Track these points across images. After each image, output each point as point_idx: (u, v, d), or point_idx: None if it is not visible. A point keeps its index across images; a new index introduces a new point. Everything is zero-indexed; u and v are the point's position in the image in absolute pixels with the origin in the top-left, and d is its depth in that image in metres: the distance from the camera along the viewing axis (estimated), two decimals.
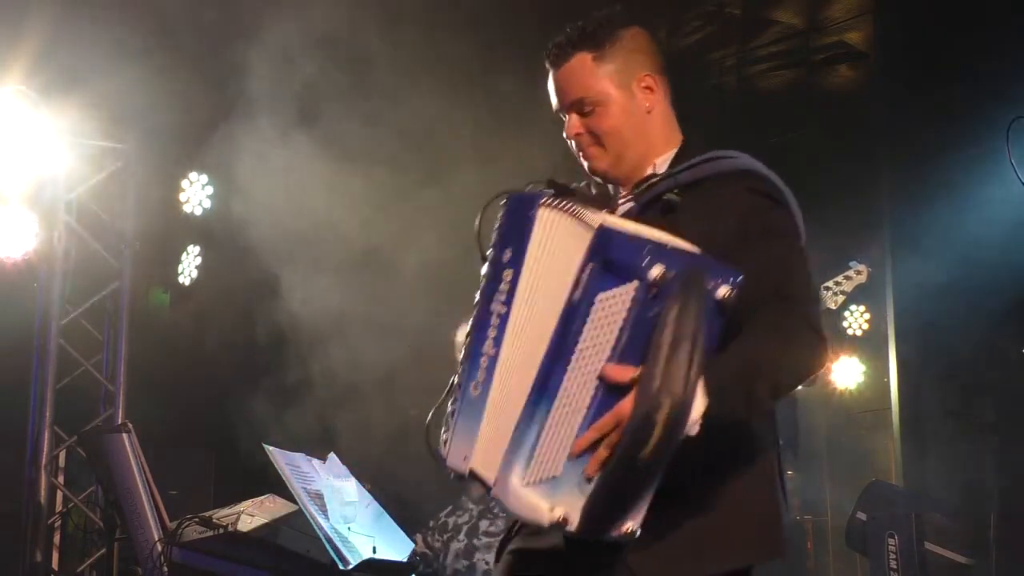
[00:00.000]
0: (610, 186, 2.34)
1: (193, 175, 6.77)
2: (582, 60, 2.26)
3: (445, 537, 4.99)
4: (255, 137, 5.86)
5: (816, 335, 2.01)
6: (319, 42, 5.70)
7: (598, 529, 1.88)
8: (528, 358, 1.95)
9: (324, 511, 4.14)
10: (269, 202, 5.90)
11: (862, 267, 5.77)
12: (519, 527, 2.26)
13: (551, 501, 1.87)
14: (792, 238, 2.14)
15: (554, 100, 2.31)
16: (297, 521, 4.16)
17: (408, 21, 5.88)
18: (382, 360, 5.83)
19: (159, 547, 4.30)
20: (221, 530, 4.17)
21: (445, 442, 2.08)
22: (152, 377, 6.67)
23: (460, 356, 2.11)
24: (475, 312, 2.08)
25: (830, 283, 5.70)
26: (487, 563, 4.80)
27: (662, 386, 1.79)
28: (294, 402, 6.11)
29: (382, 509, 4.49)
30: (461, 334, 2.19)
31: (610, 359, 1.85)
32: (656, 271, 1.82)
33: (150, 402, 6.53)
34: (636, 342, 1.84)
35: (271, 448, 4.26)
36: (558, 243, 1.98)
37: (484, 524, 4.86)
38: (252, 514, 4.21)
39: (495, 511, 4.79)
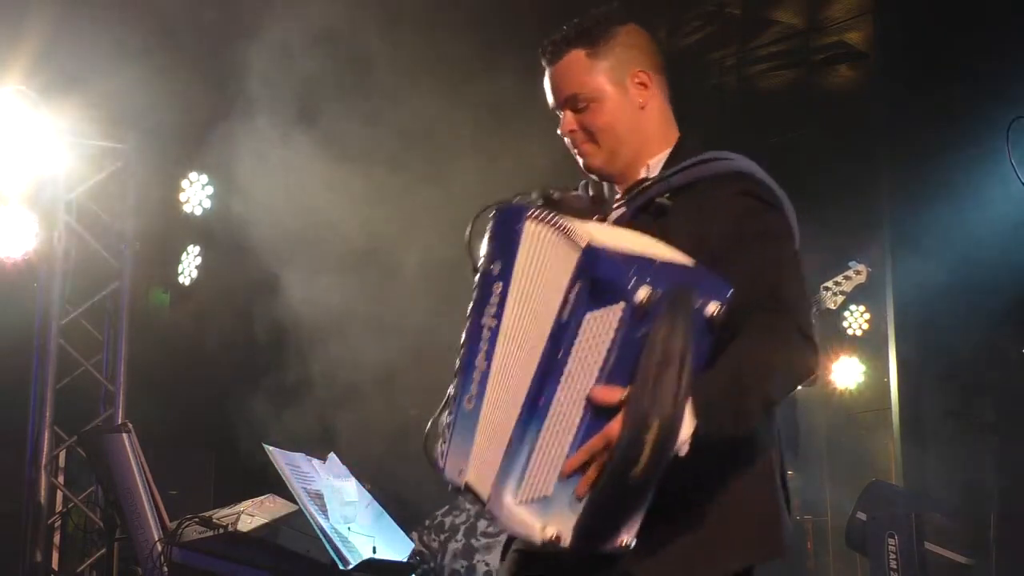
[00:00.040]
0: (605, 185, 2.34)
1: (193, 175, 6.77)
2: (576, 57, 2.26)
3: (442, 537, 4.99)
4: (255, 137, 5.86)
5: (806, 342, 2.00)
6: (319, 42, 5.69)
7: (591, 545, 1.88)
8: (519, 374, 1.95)
9: (324, 511, 4.14)
10: (269, 202, 5.90)
11: (862, 267, 5.77)
12: None
13: (543, 520, 1.88)
14: (785, 241, 2.13)
15: (550, 97, 2.31)
16: (297, 521, 4.16)
17: (408, 21, 5.88)
18: (382, 360, 5.83)
19: (159, 547, 4.30)
20: (221, 530, 4.17)
21: (442, 454, 2.09)
22: (152, 377, 6.67)
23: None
24: (467, 324, 2.08)
25: (830, 283, 5.70)
26: (487, 564, 4.80)
27: (650, 408, 1.78)
28: (294, 402, 6.11)
29: (382, 509, 4.49)
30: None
31: (599, 379, 1.85)
32: (642, 293, 1.80)
33: (150, 402, 6.53)
34: (624, 362, 1.83)
35: (271, 448, 4.26)
36: (546, 259, 1.97)
37: (482, 524, 4.86)
38: (252, 514, 4.21)
39: None
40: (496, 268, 2.05)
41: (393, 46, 5.87)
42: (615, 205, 2.26)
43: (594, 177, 2.33)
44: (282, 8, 5.72)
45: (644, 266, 1.85)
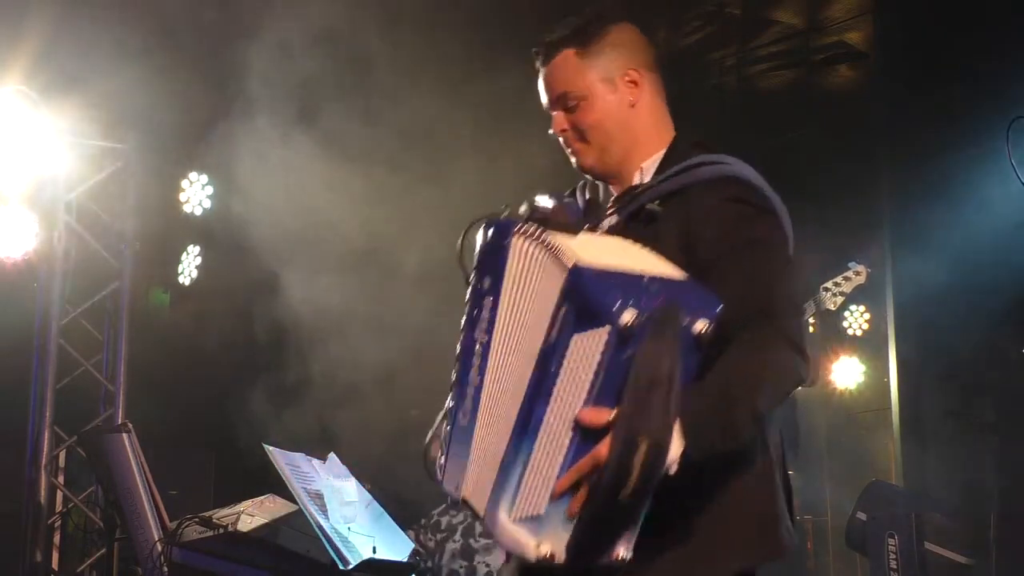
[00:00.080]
0: (601, 186, 2.34)
1: (193, 175, 6.78)
2: (566, 56, 2.27)
3: (439, 537, 4.98)
4: (255, 137, 5.86)
5: (795, 351, 1.99)
6: (319, 42, 5.69)
7: (585, 562, 1.89)
8: (510, 392, 1.95)
9: (324, 511, 4.14)
10: (269, 202, 5.90)
11: (861, 268, 5.77)
12: None
13: (537, 537, 1.88)
14: (777, 248, 2.12)
15: (543, 98, 2.32)
16: (297, 521, 4.15)
17: (408, 21, 5.88)
18: (382, 360, 5.83)
19: (159, 547, 4.30)
20: (221, 530, 4.17)
21: (440, 467, 2.11)
22: (152, 377, 6.67)
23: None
24: (461, 337, 2.09)
25: (829, 284, 5.70)
26: (488, 566, 4.79)
27: (637, 430, 1.78)
28: (294, 402, 6.11)
29: (382, 509, 4.48)
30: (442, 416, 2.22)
31: (587, 401, 1.84)
32: (627, 316, 1.79)
33: (150, 402, 6.53)
34: (612, 384, 1.83)
35: (271, 448, 4.26)
36: (533, 277, 1.96)
37: (480, 525, 4.85)
38: (252, 514, 4.20)
39: None
40: (486, 283, 2.05)
41: (393, 46, 5.87)
42: (608, 211, 2.25)
43: (589, 177, 2.34)
44: (282, 8, 5.73)
45: (631, 285, 1.84)
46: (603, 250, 1.96)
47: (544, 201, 2.20)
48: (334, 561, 3.98)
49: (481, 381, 2.02)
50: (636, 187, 2.21)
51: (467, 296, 2.10)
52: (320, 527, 4.03)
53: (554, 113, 2.30)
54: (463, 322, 2.09)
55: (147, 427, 5.19)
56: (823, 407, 8.94)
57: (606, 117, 2.25)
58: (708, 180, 2.12)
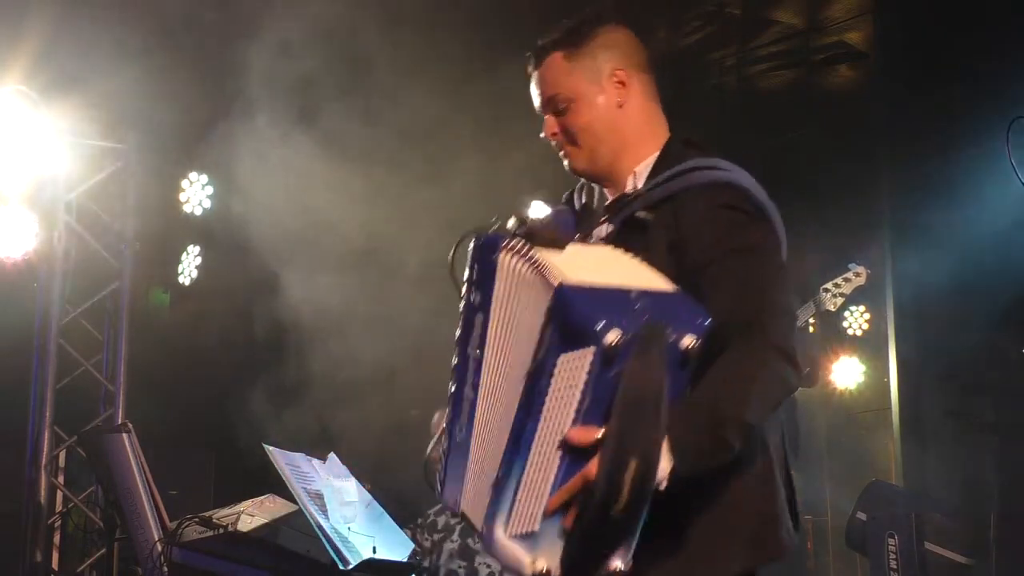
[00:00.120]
0: (596, 190, 2.34)
1: (193, 175, 6.78)
2: (554, 59, 2.28)
3: (435, 537, 4.98)
4: (255, 137, 5.86)
5: (785, 361, 1.98)
6: (319, 41, 5.69)
7: (583, 574, 1.89)
8: (502, 409, 1.96)
9: (324, 511, 4.14)
10: (269, 202, 5.90)
11: (861, 269, 5.76)
12: None
13: (533, 553, 1.89)
14: (769, 255, 2.11)
15: (535, 102, 2.33)
16: (297, 521, 4.15)
17: (408, 21, 5.88)
18: (382, 360, 5.83)
19: (159, 547, 4.29)
20: (221, 530, 4.17)
21: (440, 480, 2.14)
22: (152, 377, 6.67)
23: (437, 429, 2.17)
24: (456, 351, 2.10)
25: (829, 285, 5.70)
26: (489, 567, 4.79)
27: (626, 448, 1.78)
28: (294, 402, 6.11)
29: (382, 509, 4.48)
30: (436, 416, 2.23)
31: (575, 420, 1.84)
32: (611, 336, 1.79)
33: (150, 402, 6.53)
34: (599, 403, 1.83)
35: (271, 448, 4.26)
36: (521, 295, 1.96)
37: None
38: (252, 514, 4.20)
39: None
40: (477, 299, 2.06)
41: (393, 46, 5.87)
42: (601, 219, 2.25)
43: (583, 180, 2.34)
44: (282, 8, 5.72)
45: (617, 302, 1.84)
46: (591, 264, 1.96)
47: (537, 209, 2.20)
48: (334, 561, 3.98)
49: (475, 397, 2.03)
50: (628, 195, 2.21)
51: (460, 310, 2.11)
52: (320, 527, 4.03)
53: (545, 117, 2.31)
54: (457, 335, 2.10)
55: (147, 427, 5.19)
56: (823, 407, 8.94)
57: (594, 119, 2.26)
58: (700, 186, 2.11)
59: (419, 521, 5.06)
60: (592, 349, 1.80)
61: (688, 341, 1.85)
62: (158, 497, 4.53)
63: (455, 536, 4.91)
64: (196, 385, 6.90)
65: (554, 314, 1.85)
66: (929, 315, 7.04)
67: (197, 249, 6.99)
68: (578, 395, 1.83)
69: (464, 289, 2.10)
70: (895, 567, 5.64)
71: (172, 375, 6.75)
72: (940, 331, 6.95)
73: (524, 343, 1.91)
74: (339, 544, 4.02)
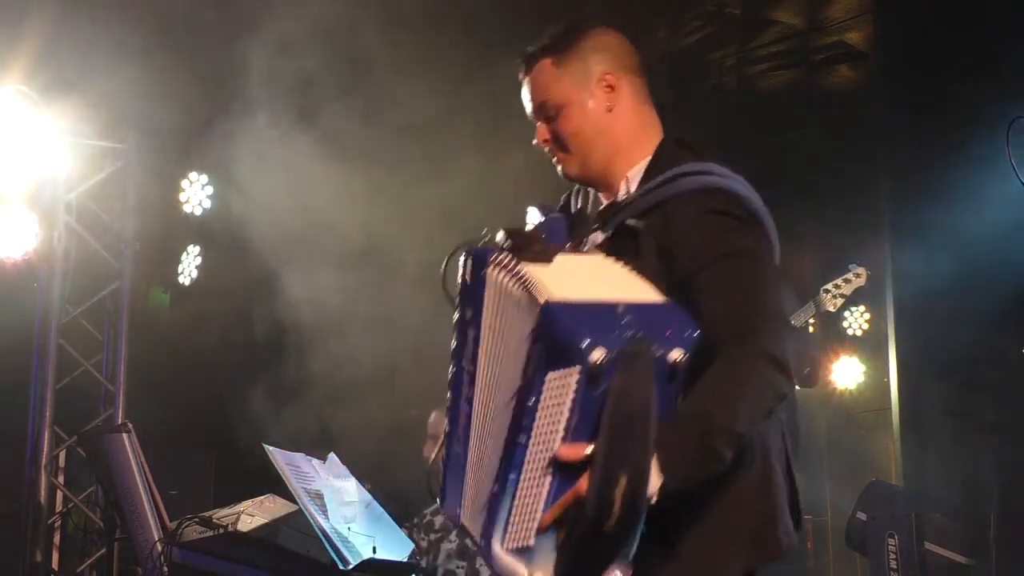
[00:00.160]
0: (592, 193, 2.34)
1: (193, 175, 6.78)
2: (543, 66, 2.27)
3: (432, 536, 4.98)
4: (255, 136, 5.86)
5: (776, 368, 1.97)
6: (319, 41, 5.70)
7: None
8: (495, 424, 1.96)
9: (324, 511, 4.14)
10: (269, 201, 5.91)
11: (861, 270, 5.76)
12: None
13: (531, 567, 1.90)
14: (761, 258, 2.09)
15: (527, 109, 2.33)
16: (297, 521, 4.15)
17: (408, 21, 5.88)
18: (382, 359, 5.83)
19: (159, 547, 4.29)
20: (221, 530, 4.17)
21: (441, 491, 2.15)
22: (152, 377, 6.67)
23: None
24: (451, 364, 2.11)
25: (829, 286, 5.69)
26: None
27: (615, 464, 1.78)
28: (294, 402, 6.11)
29: (382, 509, 4.48)
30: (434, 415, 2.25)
31: (564, 437, 1.85)
32: (596, 355, 1.79)
33: (150, 402, 6.53)
34: (587, 420, 1.83)
35: (271, 448, 4.26)
36: (509, 311, 1.97)
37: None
38: (252, 514, 4.20)
39: None
40: (468, 313, 2.07)
41: (393, 46, 5.87)
42: (593, 226, 2.25)
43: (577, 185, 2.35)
44: (282, 8, 5.73)
45: (603, 318, 1.84)
46: (579, 276, 1.96)
47: (532, 216, 2.20)
48: (334, 561, 3.98)
49: (470, 411, 2.05)
50: (619, 202, 2.21)
51: (453, 323, 2.12)
52: (320, 527, 4.03)
53: (537, 124, 2.30)
54: (451, 348, 2.11)
55: (147, 427, 5.19)
56: (823, 407, 8.94)
57: (584, 125, 2.25)
58: (691, 191, 2.10)
59: (415, 521, 5.06)
60: (577, 368, 1.81)
61: (676, 355, 1.84)
62: (158, 497, 4.53)
63: (453, 536, 4.90)
64: (196, 385, 6.90)
65: (540, 332, 1.86)
66: (929, 315, 7.03)
67: (197, 249, 6.99)
68: (566, 413, 1.83)
69: (456, 302, 2.11)
70: (895, 567, 5.64)
71: (172, 375, 6.76)
72: (940, 331, 6.95)
73: (513, 360, 1.92)
74: (339, 544, 4.02)
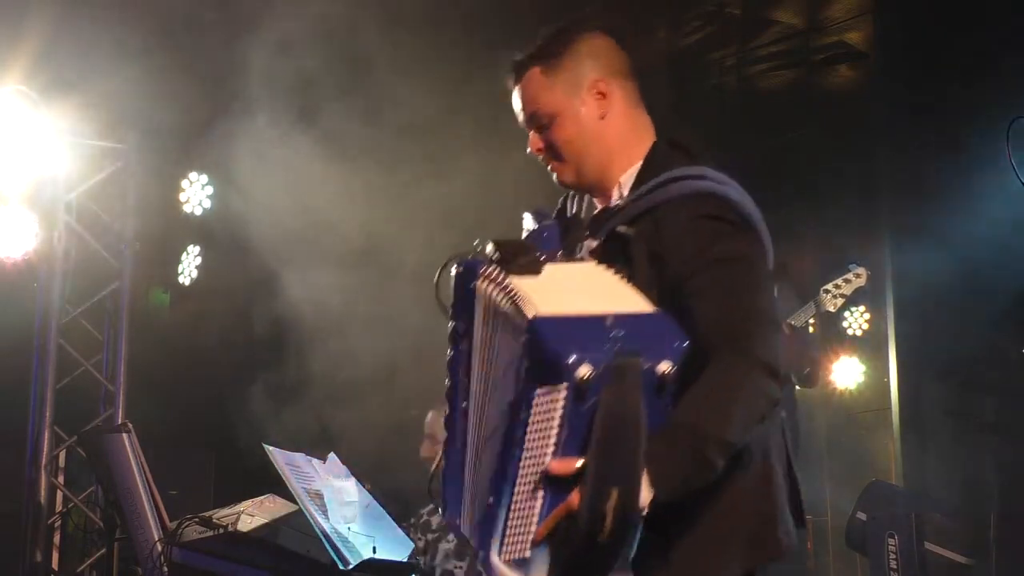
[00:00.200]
0: (586, 198, 2.34)
1: (193, 175, 6.77)
2: (533, 75, 2.26)
3: (429, 536, 4.97)
4: (254, 136, 5.86)
5: (767, 374, 1.97)
6: (319, 41, 5.69)
7: None
8: (490, 436, 1.98)
9: (324, 511, 4.14)
10: (269, 201, 5.90)
11: (861, 270, 5.76)
12: None
13: None
14: (753, 262, 2.09)
15: (519, 118, 2.32)
16: (297, 521, 4.15)
17: (408, 21, 5.88)
18: (382, 359, 5.83)
19: (159, 547, 4.29)
20: (221, 530, 4.17)
21: (443, 500, 2.16)
22: (152, 377, 6.67)
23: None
24: (448, 376, 2.12)
25: (829, 286, 5.69)
26: None
27: (605, 478, 1.78)
28: (294, 402, 6.11)
29: (382, 509, 4.48)
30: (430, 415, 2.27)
31: (555, 451, 1.85)
32: (583, 371, 1.79)
33: (150, 402, 6.53)
34: (577, 434, 1.84)
35: (271, 448, 4.26)
36: (499, 325, 1.97)
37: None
38: (252, 514, 4.20)
39: None
40: (461, 326, 2.09)
41: (393, 46, 5.87)
42: (585, 233, 2.24)
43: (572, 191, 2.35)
44: (282, 8, 5.73)
45: (591, 330, 1.84)
46: (568, 287, 1.96)
47: (527, 222, 2.20)
48: (334, 561, 3.98)
49: (467, 423, 2.06)
50: (610, 209, 2.20)
51: (448, 334, 2.13)
52: (320, 527, 4.03)
53: (529, 132, 2.30)
54: (447, 360, 2.12)
55: (147, 427, 5.18)
56: (823, 407, 8.94)
57: (577, 133, 2.24)
58: (682, 196, 2.10)
59: (411, 520, 5.06)
60: (564, 384, 1.81)
61: (664, 367, 1.84)
62: (158, 497, 4.53)
63: (451, 536, 4.90)
64: (196, 385, 6.90)
65: (528, 349, 1.86)
66: (929, 315, 7.04)
67: (197, 249, 6.98)
68: (556, 427, 1.84)
69: (451, 312, 2.12)
70: (895, 567, 5.64)
71: (172, 375, 6.75)
72: (940, 331, 6.95)
73: (505, 374, 1.94)
74: (339, 544, 4.02)
